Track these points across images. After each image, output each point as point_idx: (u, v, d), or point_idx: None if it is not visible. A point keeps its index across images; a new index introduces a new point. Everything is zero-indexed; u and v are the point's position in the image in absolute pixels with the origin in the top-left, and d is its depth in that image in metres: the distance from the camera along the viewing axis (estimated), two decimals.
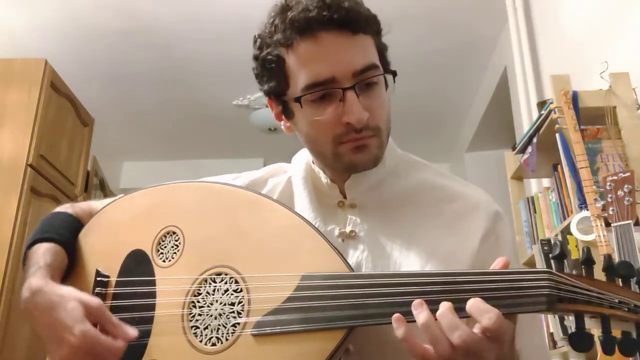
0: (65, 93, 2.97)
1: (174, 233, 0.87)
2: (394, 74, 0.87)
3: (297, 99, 0.82)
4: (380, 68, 0.84)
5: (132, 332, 0.77)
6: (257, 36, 0.87)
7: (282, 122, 0.92)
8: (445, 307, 0.66)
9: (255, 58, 0.87)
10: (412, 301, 0.69)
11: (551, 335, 2.09)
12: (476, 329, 0.64)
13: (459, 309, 0.66)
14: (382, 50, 0.87)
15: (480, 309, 0.64)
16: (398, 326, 0.66)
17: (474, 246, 0.84)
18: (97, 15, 3.28)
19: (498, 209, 0.90)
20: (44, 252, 0.87)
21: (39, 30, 3.37)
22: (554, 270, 0.67)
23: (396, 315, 0.67)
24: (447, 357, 0.64)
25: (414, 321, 0.66)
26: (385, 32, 0.88)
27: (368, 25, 0.83)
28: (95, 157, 3.70)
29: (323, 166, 0.92)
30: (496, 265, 0.71)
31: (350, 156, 0.83)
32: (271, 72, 0.85)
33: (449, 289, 0.69)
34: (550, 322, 2.10)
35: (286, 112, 0.88)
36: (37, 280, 0.81)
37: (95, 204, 0.99)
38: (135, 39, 3.49)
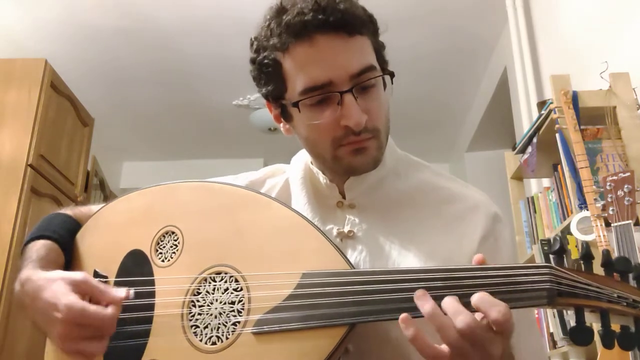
0: (65, 93, 2.97)
1: (173, 233, 0.87)
2: (392, 74, 0.86)
3: (295, 104, 0.82)
4: (377, 69, 0.83)
5: (120, 293, 0.76)
6: (253, 39, 0.86)
7: (281, 125, 0.91)
8: (449, 297, 0.66)
9: (252, 61, 0.87)
10: (412, 297, 0.68)
11: (551, 335, 2.09)
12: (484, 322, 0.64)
13: (464, 304, 0.66)
14: (379, 49, 0.86)
15: (488, 302, 0.64)
16: (407, 326, 0.65)
17: (473, 248, 0.84)
18: (97, 16, 3.28)
19: (497, 211, 0.90)
20: (38, 248, 0.87)
21: (39, 30, 3.37)
22: (554, 265, 0.68)
23: (403, 315, 0.66)
24: (455, 344, 0.63)
25: (421, 316, 0.66)
26: (382, 30, 0.87)
27: (364, 26, 0.82)
28: (95, 157, 3.70)
29: (323, 168, 0.92)
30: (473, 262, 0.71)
31: (349, 159, 0.83)
32: (268, 75, 0.84)
33: (451, 284, 0.69)
34: (550, 322, 2.09)
35: (285, 115, 0.88)
36: (26, 271, 0.82)
37: (96, 208, 0.99)
38: (135, 39, 3.49)
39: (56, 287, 0.76)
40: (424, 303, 0.66)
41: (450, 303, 0.65)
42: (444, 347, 0.64)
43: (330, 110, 0.81)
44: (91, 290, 0.76)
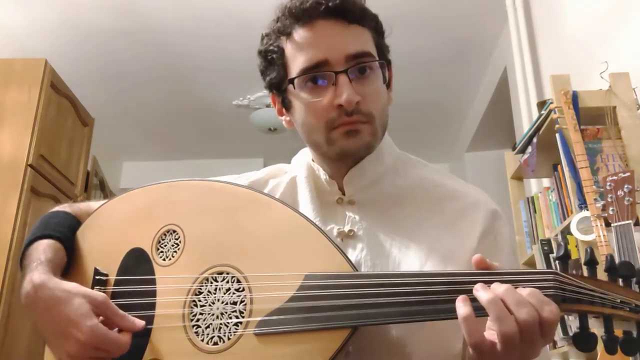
0: (65, 93, 2.97)
1: (174, 231, 0.87)
2: (389, 62, 0.90)
3: (291, 80, 0.85)
4: (374, 57, 0.86)
5: (139, 323, 0.78)
6: (263, 34, 0.91)
7: (283, 117, 0.93)
8: (506, 286, 0.65)
9: (260, 53, 0.91)
10: (417, 301, 0.69)
11: None
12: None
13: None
14: (381, 47, 0.89)
15: (541, 299, 0.64)
16: (464, 305, 0.65)
17: (473, 245, 0.84)
18: (97, 15, 3.28)
19: (496, 208, 0.90)
20: (44, 248, 0.86)
21: (38, 30, 3.37)
22: (559, 271, 0.68)
23: (462, 296, 0.66)
24: (509, 334, 0.62)
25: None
26: (387, 34, 0.90)
27: (364, 17, 0.86)
28: (95, 157, 3.70)
29: (321, 159, 0.92)
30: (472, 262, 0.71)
31: (342, 141, 0.84)
32: (272, 62, 0.88)
33: (454, 289, 0.68)
34: None
35: (285, 104, 0.90)
36: (40, 275, 0.81)
37: (94, 204, 0.99)
38: (135, 39, 3.49)
39: (78, 304, 0.76)
40: (483, 293, 0.65)
41: (512, 293, 0.64)
42: (490, 335, 0.64)
43: (325, 91, 0.83)
44: (110, 314, 0.78)
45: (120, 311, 0.79)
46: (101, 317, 0.77)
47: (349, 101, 0.81)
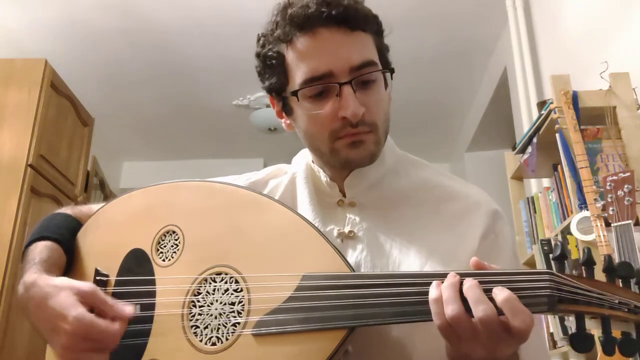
0: (65, 93, 2.97)
1: (174, 232, 0.87)
2: (392, 70, 0.88)
3: (295, 93, 0.83)
4: (378, 65, 0.85)
5: (129, 310, 0.76)
6: (260, 35, 0.89)
7: (283, 120, 0.93)
8: (471, 282, 0.66)
9: (257, 55, 0.89)
10: (414, 301, 0.69)
11: (551, 335, 2.09)
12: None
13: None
14: (382, 50, 0.88)
15: (515, 307, 0.64)
16: (435, 288, 0.67)
17: (474, 245, 0.84)
18: (97, 16, 3.28)
19: (497, 208, 0.90)
20: (40, 249, 0.86)
21: (39, 30, 3.37)
22: (554, 271, 0.67)
23: (436, 281, 0.68)
24: (467, 330, 0.65)
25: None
26: (386, 33, 0.89)
27: (367, 23, 0.84)
28: (95, 157, 3.70)
29: (322, 164, 0.92)
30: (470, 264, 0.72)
31: (346, 152, 0.84)
32: (272, 68, 0.86)
33: None
34: (550, 322, 2.10)
35: (286, 109, 0.89)
36: (31, 274, 0.81)
37: (96, 206, 0.99)
38: (135, 39, 3.49)
39: (64, 296, 0.75)
40: (433, 290, 0.68)
41: (473, 289, 0.66)
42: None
43: (329, 102, 0.82)
44: (99, 303, 0.76)
45: (110, 299, 0.77)
46: (95, 311, 0.76)
47: (354, 114, 0.80)
